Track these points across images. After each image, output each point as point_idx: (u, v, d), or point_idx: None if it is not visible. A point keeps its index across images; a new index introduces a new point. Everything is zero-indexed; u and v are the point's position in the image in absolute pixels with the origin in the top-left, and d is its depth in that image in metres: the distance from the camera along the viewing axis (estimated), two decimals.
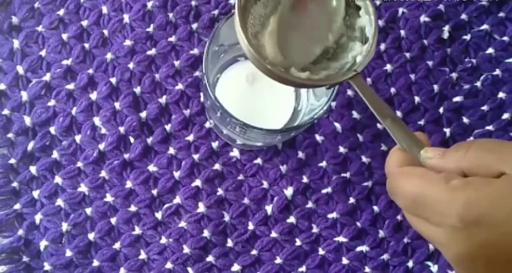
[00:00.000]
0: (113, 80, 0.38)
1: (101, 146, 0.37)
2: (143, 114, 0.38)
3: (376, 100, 0.25)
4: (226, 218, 0.37)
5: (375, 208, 0.38)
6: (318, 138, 0.39)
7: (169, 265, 0.36)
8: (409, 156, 0.24)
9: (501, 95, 0.41)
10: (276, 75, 0.25)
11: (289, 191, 0.38)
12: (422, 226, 0.23)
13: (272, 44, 0.26)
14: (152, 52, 0.38)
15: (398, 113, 0.39)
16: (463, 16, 0.41)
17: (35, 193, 0.36)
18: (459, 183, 0.21)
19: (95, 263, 0.36)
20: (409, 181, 0.23)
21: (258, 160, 0.38)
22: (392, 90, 0.40)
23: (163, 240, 0.37)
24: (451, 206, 0.21)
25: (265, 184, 0.38)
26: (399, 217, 0.38)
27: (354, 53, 0.27)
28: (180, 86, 0.38)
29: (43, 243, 0.36)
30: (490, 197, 0.20)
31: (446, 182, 0.22)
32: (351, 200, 0.38)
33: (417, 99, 0.40)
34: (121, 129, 0.37)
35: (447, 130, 0.40)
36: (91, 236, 0.36)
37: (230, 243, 0.37)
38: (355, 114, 0.39)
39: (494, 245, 0.21)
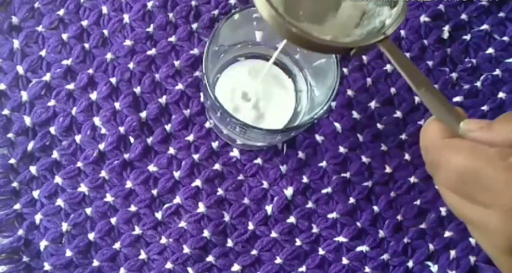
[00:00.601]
0: (113, 80, 0.38)
1: (101, 146, 0.37)
2: (143, 114, 0.38)
3: (409, 66, 0.23)
4: (226, 218, 0.37)
5: (375, 208, 0.38)
6: (318, 138, 0.39)
7: (169, 265, 0.36)
8: (449, 128, 0.22)
9: (501, 95, 0.41)
10: (298, 36, 0.23)
11: (289, 191, 0.38)
12: (464, 206, 0.21)
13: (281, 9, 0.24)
14: (152, 52, 0.38)
15: (398, 113, 0.39)
16: (463, 16, 0.41)
17: (35, 193, 0.36)
18: None
19: (95, 263, 0.36)
20: (458, 154, 0.20)
21: (258, 160, 0.38)
22: (392, 90, 0.40)
23: (163, 240, 0.37)
24: (509, 184, 0.19)
25: (265, 184, 0.38)
26: (399, 217, 0.38)
27: (382, 18, 0.25)
28: (180, 86, 0.38)
29: (43, 243, 0.36)
30: None
31: (503, 159, 0.19)
32: (351, 200, 0.38)
33: (417, 99, 0.40)
34: (121, 129, 0.37)
35: None
36: (91, 236, 0.36)
37: (230, 243, 0.37)
38: (355, 114, 0.39)
39: None
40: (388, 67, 0.40)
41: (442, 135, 0.22)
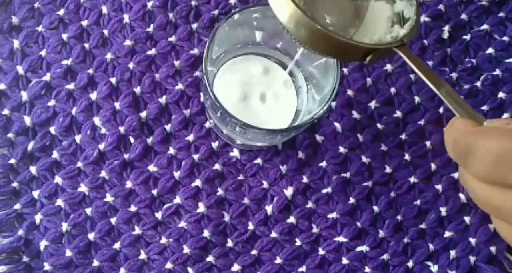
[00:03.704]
0: (113, 80, 0.38)
1: (101, 146, 0.37)
2: (143, 114, 0.38)
3: (427, 69, 0.24)
4: (226, 218, 0.37)
5: (375, 208, 0.38)
6: (318, 138, 0.39)
7: (169, 265, 0.36)
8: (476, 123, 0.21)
9: (501, 95, 0.41)
10: (320, 35, 0.22)
11: (289, 191, 0.38)
12: (496, 194, 0.19)
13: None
14: (152, 52, 0.38)
15: (398, 113, 0.39)
16: (463, 16, 0.41)
17: (35, 193, 0.36)
18: None
19: (95, 263, 0.36)
20: (492, 138, 0.19)
21: (258, 160, 0.38)
22: (392, 90, 0.40)
23: (163, 240, 0.37)
24: None
25: (265, 184, 0.38)
26: (399, 217, 0.38)
27: (393, 34, 0.25)
28: (180, 86, 0.38)
29: (43, 243, 0.36)
30: None
31: None
32: (351, 200, 0.38)
33: (417, 99, 0.40)
34: (121, 129, 0.37)
35: None
36: (91, 236, 0.36)
37: (230, 243, 0.37)
38: (355, 114, 0.39)
39: None
40: (388, 67, 0.40)
41: (471, 126, 0.21)
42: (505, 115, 0.40)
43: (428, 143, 0.39)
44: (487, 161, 0.19)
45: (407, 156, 0.39)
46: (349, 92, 0.39)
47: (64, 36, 0.38)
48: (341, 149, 0.39)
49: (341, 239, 0.38)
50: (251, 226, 0.37)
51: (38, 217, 0.36)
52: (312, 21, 0.22)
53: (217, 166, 0.37)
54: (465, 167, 0.21)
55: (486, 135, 0.20)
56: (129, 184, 0.37)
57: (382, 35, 0.25)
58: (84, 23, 0.39)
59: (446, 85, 0.22)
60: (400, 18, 0.25)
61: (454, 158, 0.21)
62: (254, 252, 0.37)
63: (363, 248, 0.38)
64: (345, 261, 0.38)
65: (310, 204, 0.38)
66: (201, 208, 0.37)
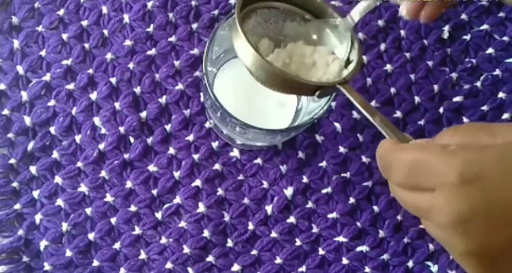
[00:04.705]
0: (113, 80, 0.38)
1: (101, 146, 0.37)
2: (143, 114, 0.38)
3: (364, 102, 0.28)
4: (226, 218, 0.37)
5: (375, 208, 0.38)
6: (318, 138, 0.39)
7: (169, 265, 0.36)
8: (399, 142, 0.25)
9: (501, 95, 0.41)
10: (276, 72, 0.26)
11: (289, 191, 0.38)
12: (414, 197, 0.23)
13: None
14: (152, 52, 0.38)
15: (398, 113, 0.39)
16: (463, 16, 0.41)
17: (35, 193, 0.36)
18: (456, 147, 0.22)
19: (95, 263, 0.36)
20: (406, 152, 0.23)
21: (258, 160, 0.38)
22: (392, 90, 0.40)
23: (163, 240, 0.37)
24: (450, 164, 0.21)
25: (265, 184, 0.38)
26: (399, 217, 0.38)
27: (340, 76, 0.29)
28: (180, 86, 0.38)
29: (43, 243, 0.36)
30: (487, 155, 0.21)
31: (444, 148, 0.22)
32: (351, 200, 0.38)
33: (417, 99, 0.40)
34: (121, 129, 0.37)
35: None
36: (91, 236, 0.36)
37: (230, 243, 0.37)
38: (355, 114, 0.39)
39: (493, 201, 0.21)
40: (388, 67, 0.40)
41: (394, 145, 0.25)
42: (505, 115, 0.40)
43: None
44: (401, 171, 0.23)
45: None
46: None
47: (64, 36, 0.38)
48: (341, 149, 0.39)
49: (341, 239, 0.38)
50: (251, 226, 0.37)
51: (38, 217, 0.36)
52: (269, 64, 0.26)
53: (217, 166, 0.37)
54: (388, 178, 0.24)
55: (401, 150, 0.23)
56: (129, 184, 0.37)
57: (331, 77, 0.29)
58: (84, 23, 0.39)
59: (379, 114, 0.27)
60: (347, 60, 0.29)
61: (381, 173, 0.25)
62: (254, 252, 0.37)
63: (363, 248, 0.38)
64: (345, 261, 0.38)
65: (310, 204, 0.38)
66: (201, 208, 0.37)
